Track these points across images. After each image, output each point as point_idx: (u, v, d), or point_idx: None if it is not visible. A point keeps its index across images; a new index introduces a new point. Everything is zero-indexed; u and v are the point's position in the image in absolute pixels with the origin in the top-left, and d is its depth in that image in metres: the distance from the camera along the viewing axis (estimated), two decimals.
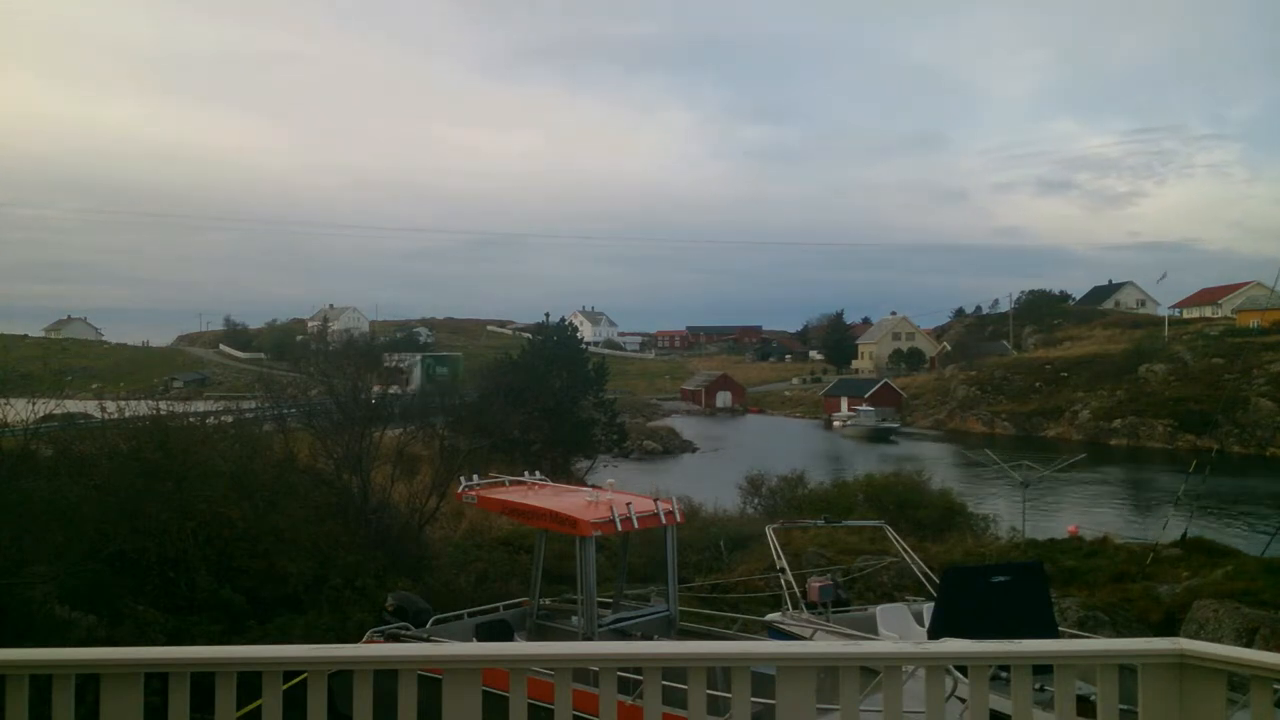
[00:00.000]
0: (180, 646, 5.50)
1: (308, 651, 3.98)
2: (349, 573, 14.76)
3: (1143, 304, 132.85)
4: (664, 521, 10.70)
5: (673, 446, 71.46)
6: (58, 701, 3.71)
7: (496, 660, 4.41)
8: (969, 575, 10.57)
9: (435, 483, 19.37)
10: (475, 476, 12.20)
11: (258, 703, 3.77)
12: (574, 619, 10.89)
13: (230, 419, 23.28)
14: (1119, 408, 74.61)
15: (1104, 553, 19.97)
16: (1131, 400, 74.59)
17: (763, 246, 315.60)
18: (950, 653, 4.05)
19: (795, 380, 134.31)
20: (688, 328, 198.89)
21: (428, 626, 11.06)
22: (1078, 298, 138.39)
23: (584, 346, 54.19)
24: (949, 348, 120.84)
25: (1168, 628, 14.55)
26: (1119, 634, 14.04)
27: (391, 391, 27.96)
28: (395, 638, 10.68)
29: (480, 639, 10.89)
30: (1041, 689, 4.64)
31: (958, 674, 5.46)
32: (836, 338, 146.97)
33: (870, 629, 10.62)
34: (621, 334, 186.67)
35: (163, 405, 19.28)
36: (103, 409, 17.89)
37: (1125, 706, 3.87)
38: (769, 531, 13.15)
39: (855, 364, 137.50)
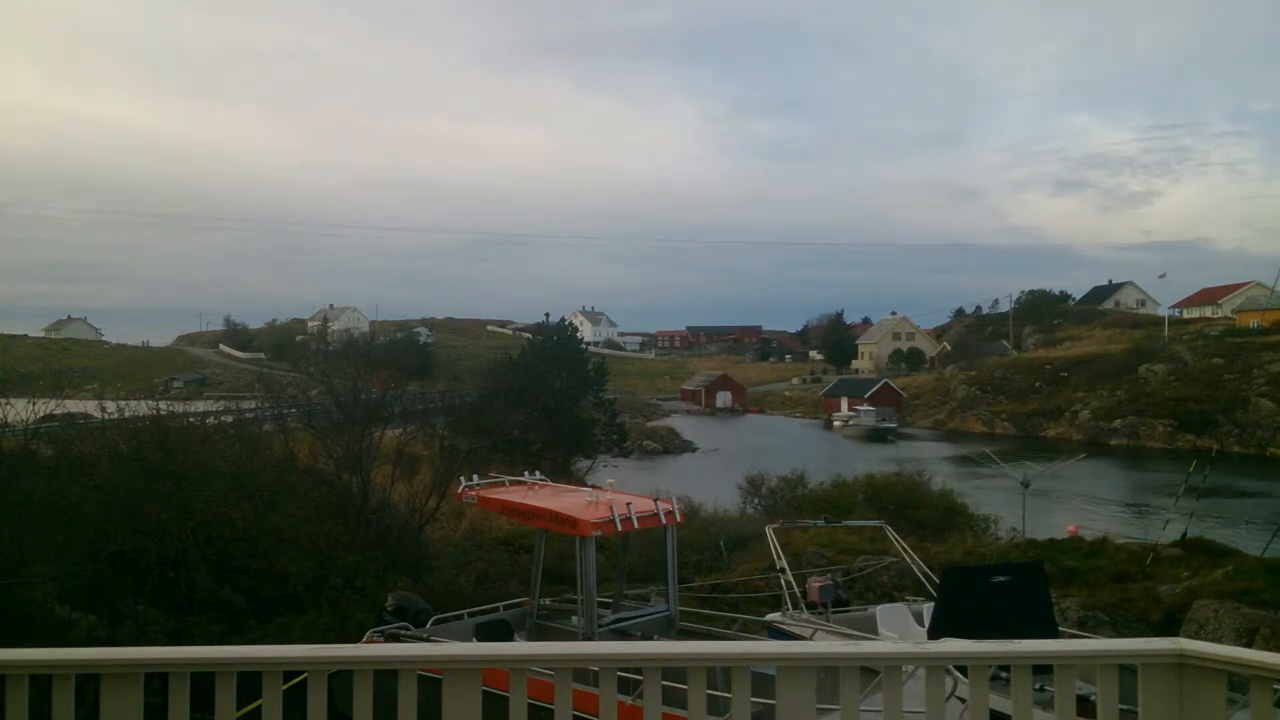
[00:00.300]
0: (180, 646, 5.50)
1: (308, 651, 3.98)
2: (349, 573, 14.75)
3: (1143, 304, 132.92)
4: (664, 521, 10.70)
5: (673, 446, 71.55)
6: (58, 701, 3.70)
7: (496, 660, 4.41)
8: (969, 575, 10.57)
9: (435, 483, 19.37)
10: (475, 476, 12.20)
11: (258, 703, 3.77)
12: (574, 619, 10.89)
13: (230, 419, 23.29)
14: (1119, 408, 74.65)
15: (1104, 553, 19.98)
16: (1131, 400, 74.63)
17: (764, 246, 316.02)
18: (950, 653, 4.05)
19: (795, 380, 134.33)
20: (688, 328, 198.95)
21: (428, 626, 11.06)
22: (1078, 298, 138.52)
23: (584, 346, 54.21)
24: (949, 348, 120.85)
25: (1168, 628, 14.55)
26: (1119, 634, 14.04)
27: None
28: (395, 638, 10.68)
29: (480, 639, 10.89)
30: (1041, 689, 4.64)
31: (958, 674, 5.46)
32: (836, 338, 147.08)
33: (870, 629, 10.62)
34: (621, 334, 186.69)
35: (163, 405, 19.27)
36: (103, 409, 17.89)
37: (1125, 706, 3.87)
38: (769, 531, 13.14)
39: (855, 364, 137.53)
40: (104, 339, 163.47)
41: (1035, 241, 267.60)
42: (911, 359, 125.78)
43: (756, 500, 28.70)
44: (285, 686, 3.79)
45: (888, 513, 20.06)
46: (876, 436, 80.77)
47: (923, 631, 10.10)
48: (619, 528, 10.22)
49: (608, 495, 11.08)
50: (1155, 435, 69.84)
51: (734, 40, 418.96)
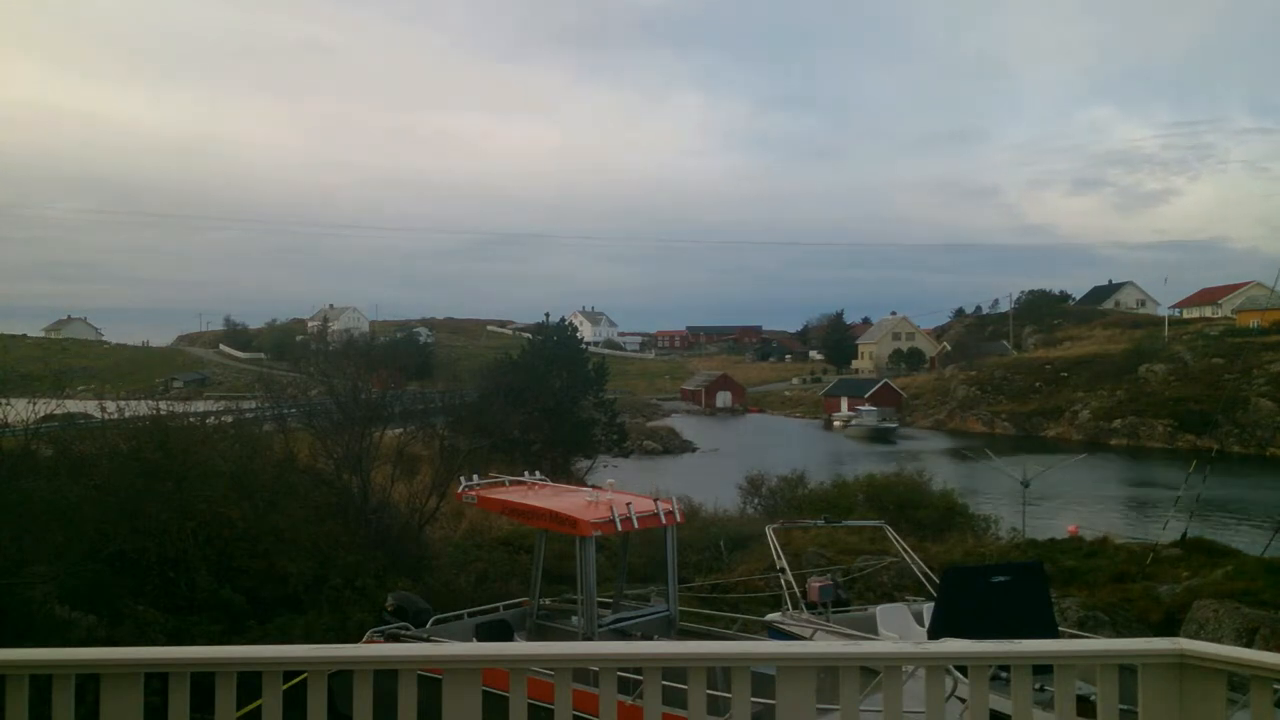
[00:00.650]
0: (180, 646, 5.50)
1: (308, 651, 3.99)
2: (349, 573, 14.75)
3: (1143, 304, 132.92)
4: (664, 521, 10.70)
5: (673, 446, 71.57)
6: (58, 701, 3.71)
7: (496, 660, 4.42)
8: (969, 575, 10.57)
9: (435, 483, 19.36)
10: (475, 476, 12.20)
11: (258, 703, 3.77)
12: (574, 619, 10.88)
13: (230, 419, 23.28)
14: (1119, 408, 74.65)
15: (1104, 553, 19.98)
16: (1131, 400, 74.64)
17: (766, 246, 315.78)
18: (950, 653, 4.05)
19: (795, 380, 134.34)
20: (688, 328, 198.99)
21: (428, 626, 11.06)
22: (1078, 298, 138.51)
23: (584, 346, 54.20)
24: (949, 348, 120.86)
25: (1168, 628, 14.55)
26: (1119, 634, 14.04)
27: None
28: (395, 638, 10.68)
29: (480, 639, 10.88)
30: (1041, 689, 4.64)
31: (958, 674, 5.46)
32: (836, 338, 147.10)
33: (870, 629, 10.62)
34: (621, 334, 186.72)
35: (163, 405, 19.26)
36: (102, 409, 17.88)
37: (1125, 706, 3.87)
38: (769, 531, 13.14)
39: (855, 364, 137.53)
40: (104, 339, 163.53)
41: (1047, 240, 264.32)
42: (911, 359, 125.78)
43: (756, 500, 28.69)
44: (285, 686, 3.80)
45: (888, 513, 20.06)
46: (876, 436, 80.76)
47: (923, 631, 10.10)
48: (619, 528, 10.21)
49: (608, 495, 11.07)
50: (1155, 435, 69.84)
51: (747, 33, 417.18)
